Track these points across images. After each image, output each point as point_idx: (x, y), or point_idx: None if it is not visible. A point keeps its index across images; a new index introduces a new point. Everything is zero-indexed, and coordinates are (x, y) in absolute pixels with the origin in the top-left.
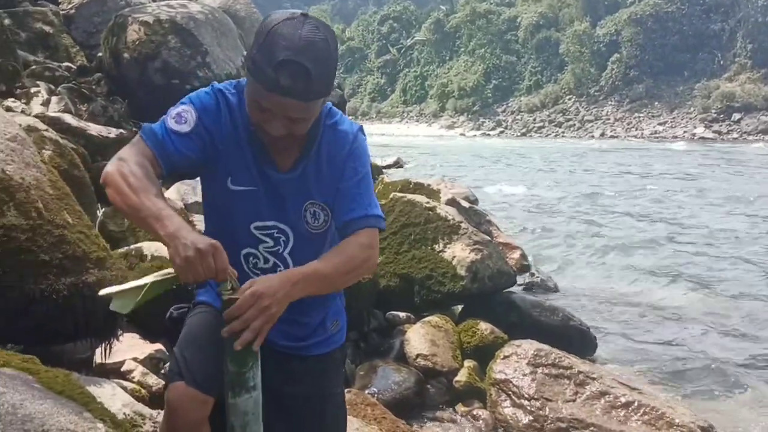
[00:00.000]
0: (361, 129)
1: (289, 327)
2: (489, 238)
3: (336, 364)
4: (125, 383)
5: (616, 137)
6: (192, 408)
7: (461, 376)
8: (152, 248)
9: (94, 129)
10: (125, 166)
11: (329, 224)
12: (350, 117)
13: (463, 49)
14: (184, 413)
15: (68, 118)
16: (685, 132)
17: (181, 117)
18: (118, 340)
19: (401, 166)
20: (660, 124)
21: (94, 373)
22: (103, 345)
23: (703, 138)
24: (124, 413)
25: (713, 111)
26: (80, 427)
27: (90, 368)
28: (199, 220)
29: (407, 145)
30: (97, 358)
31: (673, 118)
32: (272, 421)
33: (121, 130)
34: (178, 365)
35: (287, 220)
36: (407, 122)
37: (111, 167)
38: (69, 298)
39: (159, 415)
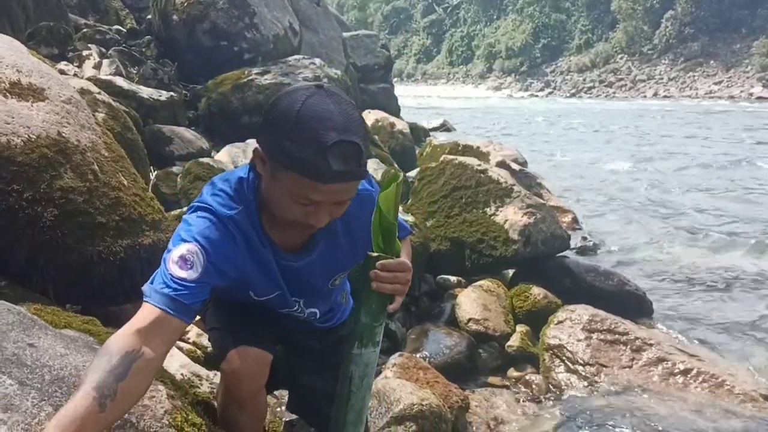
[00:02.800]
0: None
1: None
2: (542, 201)
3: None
4: (181, 344)
5: (670, 97)
6: (255, 369)
7: (514, 341)
8: None
9: (145, 92)
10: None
11: None
12: (395, 79)
13: (510, 8)
14: (247, 376)
15: (120, 81)
16: (741, 92)
17: (186, 261)
18: None
19: (448, 129)
20: (716, 83)
21: None
22: None
23: (760, 98)
24: (182, 374)
25: None
26: None
27: None
28: None
29: (454, 107)
30: None
31: (729, 77)
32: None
33: (172, 93)
34: (230, 336)
35: (316, 293)
36: (453, 83)
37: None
38: (126, 260)
39: (216, 376)
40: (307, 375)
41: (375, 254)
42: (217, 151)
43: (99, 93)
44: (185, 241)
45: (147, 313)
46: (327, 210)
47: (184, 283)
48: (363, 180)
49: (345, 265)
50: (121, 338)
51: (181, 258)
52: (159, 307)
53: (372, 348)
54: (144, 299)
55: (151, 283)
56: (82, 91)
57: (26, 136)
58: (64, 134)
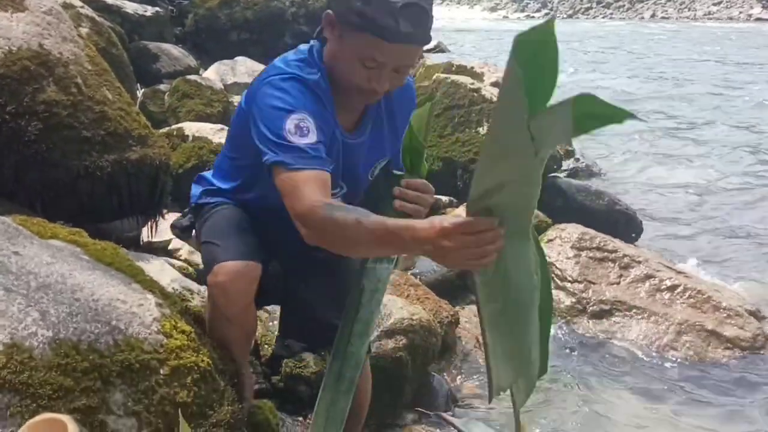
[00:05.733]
0: None
1: None
2: None
3: None
4: (173, 261)
5: (668, 18)
6: (242, 285)
7: None
8: (193, 129)
9: (130, 7)
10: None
11: None
12: None
13: None
14: (233, 292)
15: None
16: (740, 12)
17: (302, 129)
18: (163, 218)
19: (442, 51)
20: (714, 4)
21: (142, 250)
22: (150, 223)
23: (759, 19)
24: (173, 288)
25: None
26: (130, 298)
27: (138, 246)
28: (236, 101)
29: (448, 29)
30: (145, 236)
31: None
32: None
33: (157, 9)
34: (219, 249)
35: (357, 183)
36: (448, 4)
37: (314, 212)
38: (112, 175)
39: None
40: (305, 289)
41: (400, 173)
42: (205, 69)
43: (82, 7)
44: (288, 111)
45: (307, 178)
46: (388, 75)
47: (314, 145)
48: (426, 44)
49: (385, 153)
50: (316, 200)
51: (296, 128)
52: (315, 169)
53: (386, 264)
54: (288, 169)
55: (277, 158)
56: (65, 5)
57: (6, 47)
58: (45, 46)
